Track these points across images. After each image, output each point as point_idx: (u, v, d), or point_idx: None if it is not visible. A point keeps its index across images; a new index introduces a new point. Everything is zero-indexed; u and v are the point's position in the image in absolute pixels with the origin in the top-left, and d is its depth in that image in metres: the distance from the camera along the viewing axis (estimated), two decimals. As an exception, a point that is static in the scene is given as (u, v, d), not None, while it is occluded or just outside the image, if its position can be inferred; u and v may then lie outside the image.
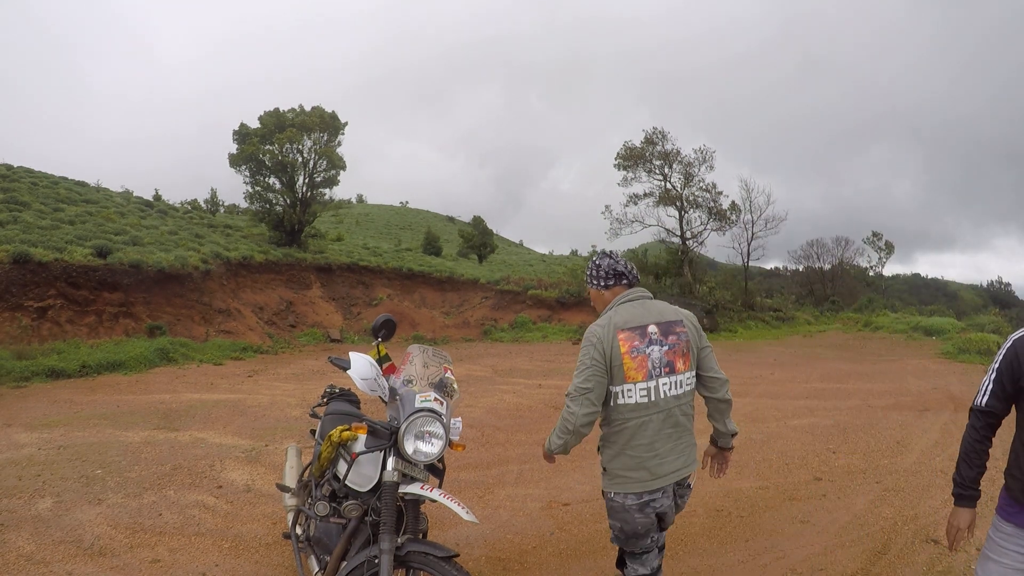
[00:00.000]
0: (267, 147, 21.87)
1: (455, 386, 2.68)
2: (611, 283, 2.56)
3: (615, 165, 29.36)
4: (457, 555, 2.31)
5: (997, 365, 2.02)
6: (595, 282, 2.60)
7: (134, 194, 30.65)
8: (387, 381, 2.62)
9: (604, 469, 2.47)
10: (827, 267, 45.99)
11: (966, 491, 2.06)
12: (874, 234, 45.88)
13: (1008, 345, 2.01)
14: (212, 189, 43.66)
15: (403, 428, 2.40)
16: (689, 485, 2.57)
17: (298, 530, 3.11)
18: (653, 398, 2.39)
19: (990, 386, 2.03)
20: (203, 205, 40.13)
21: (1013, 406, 2.03)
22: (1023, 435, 1.97)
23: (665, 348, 2.43)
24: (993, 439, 2.06)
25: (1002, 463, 2.07)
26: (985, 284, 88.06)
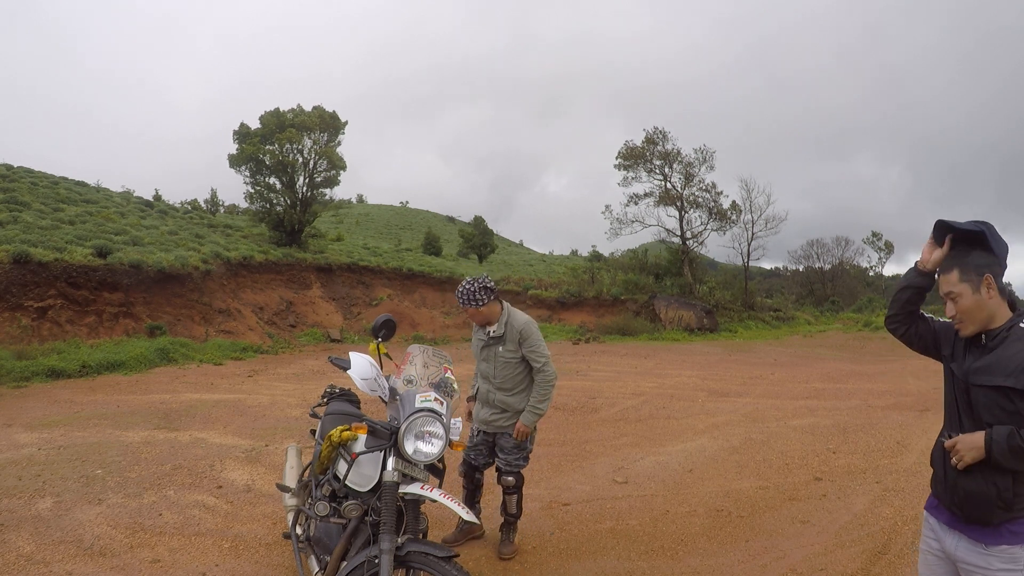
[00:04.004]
0: (267, 147, 21.87)
1: (455, 386, 2.68)
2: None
3: (615, 165, 29.39)
4: (457, 555, 2.31)
5: (943, 318, 2.07)
6: (493, 297, 3.53)
7: (134, 194, 30.69)
8: (387, 381, 2.63)
9: (542, 408, 3.62)
10: (827, 267, 46.02)
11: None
12: (874, 234, 45.93)
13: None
14: (212, 189, 43.75)
15: (403, 428, 2.39)
16: None
17: (298, 530, 3.11)
18: None
19: (935, 321, 2.08)
20: (203, 205, 40.17)
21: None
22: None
23: None
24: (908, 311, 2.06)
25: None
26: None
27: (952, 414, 1.93)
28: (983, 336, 1.86)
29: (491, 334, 3.61)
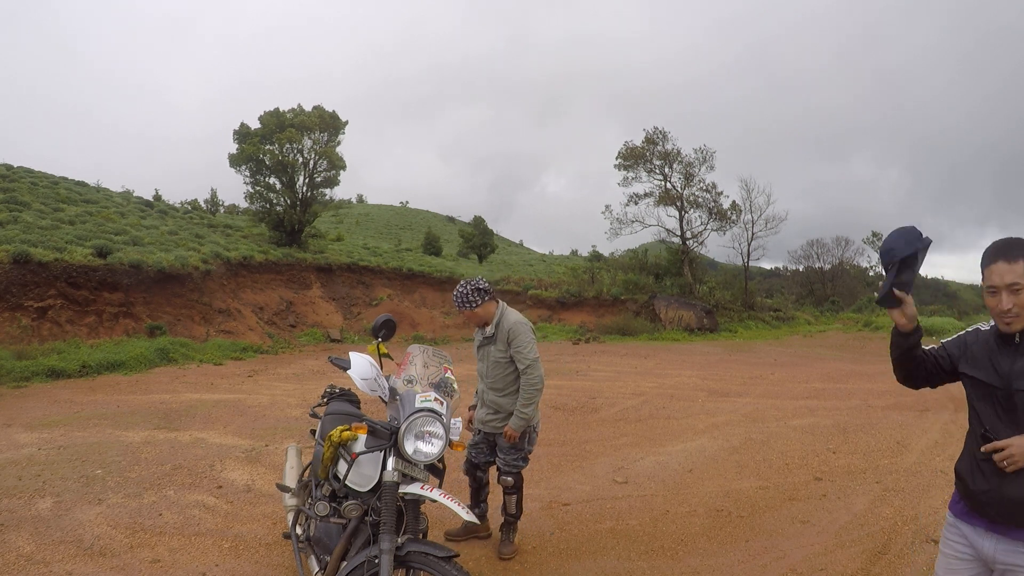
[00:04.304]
0: (267, 147, 21.87)
1: (455, 386, 2.68)
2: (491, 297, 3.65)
3: (615, 165, 29.38)
4: (457, 555, 2.31)
5: (946, 341, 2.02)
6: (488, 298, 3.58)
7: (134, 194, 30.70)
8: (387, 381, 2.63)
9: (527, 412, 3.53)
10: (827, 267, 46.02)
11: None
12: (874, 234, 45.90)
13: (963, 332, 2.02)
14: (212, 189, 43.73)
15: (403, 428, 2.39)
16: None
17: (298, 530, 3.11)
18: None
19: (932, 347, 2.02)
20: (203, 205, 40.15)
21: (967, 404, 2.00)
22: (974, 431, 1.95)
23: None
24: (917, 371, 1.99)
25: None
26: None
27: (985, 421, 1.86)
28: (1017, 336, 1.81)
29: (486, 334, 3.68)
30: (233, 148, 22.30)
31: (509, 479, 3.68)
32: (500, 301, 3.72)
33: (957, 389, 2.03)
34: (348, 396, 3.58)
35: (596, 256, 45.00)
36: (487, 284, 3.62)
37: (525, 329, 3.59)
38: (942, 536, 2.04)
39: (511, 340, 3.55)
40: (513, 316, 3.65)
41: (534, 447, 3.83)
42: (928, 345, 2.02)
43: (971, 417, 1.93)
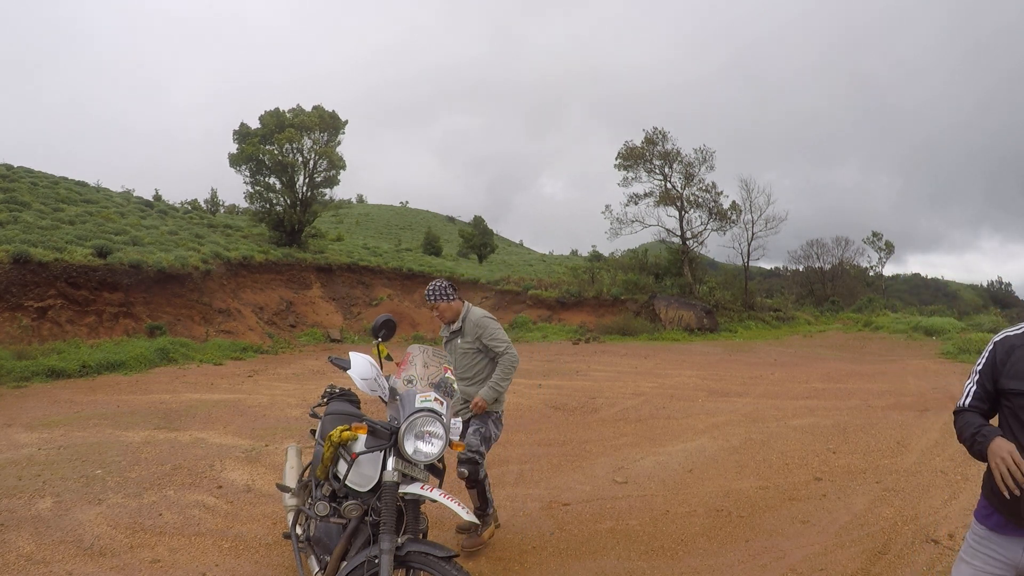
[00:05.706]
0: (267, 147, 21.88)
1: (455, 386, 2.68)
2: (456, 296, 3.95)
3: (615, 165, 29.37)
4: (457, 555, 2.31)
5: (980, 367, 2.01)
6: (457, 296, 3.91)
7: (134, 194, 30.71)
8: (387, 381, 2.63)
9: (502, 385, 3.80)
10: (827, 267, 45.99)
11: (980, 433, 1.89)
12: (874, 234, 45.90)
13: (990, 347, 2.01)
14: (212, 189, 43.72)
15: (403, 428, 2.40)
16: None
17: (298, 530, 3.11)
18: None
19: (973, 388, 2.01)
20: (203, 205, 40.14)
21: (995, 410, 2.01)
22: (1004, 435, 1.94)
23: None
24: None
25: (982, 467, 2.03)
26: (985, 284, 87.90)
27: None
28: None
29: (453, 329, 3.95)
30: (233, 148, 22.33)
31: (464, 470, 3.62)
32: (465, 301, 4.06)
33: (957, 389, 2.02)
34: (348, 396, 3.58)
35: (596, 256, 44.99)
36: (454, 285, 4.03)
37: (492, 321, 3.92)
38: (967, 547, 2.00)
39: (482, 332, 3.84)
40: (479, 311, 3.95)
41: (500, 433, 3.96)
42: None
43: (1016, 429, 1.88)
